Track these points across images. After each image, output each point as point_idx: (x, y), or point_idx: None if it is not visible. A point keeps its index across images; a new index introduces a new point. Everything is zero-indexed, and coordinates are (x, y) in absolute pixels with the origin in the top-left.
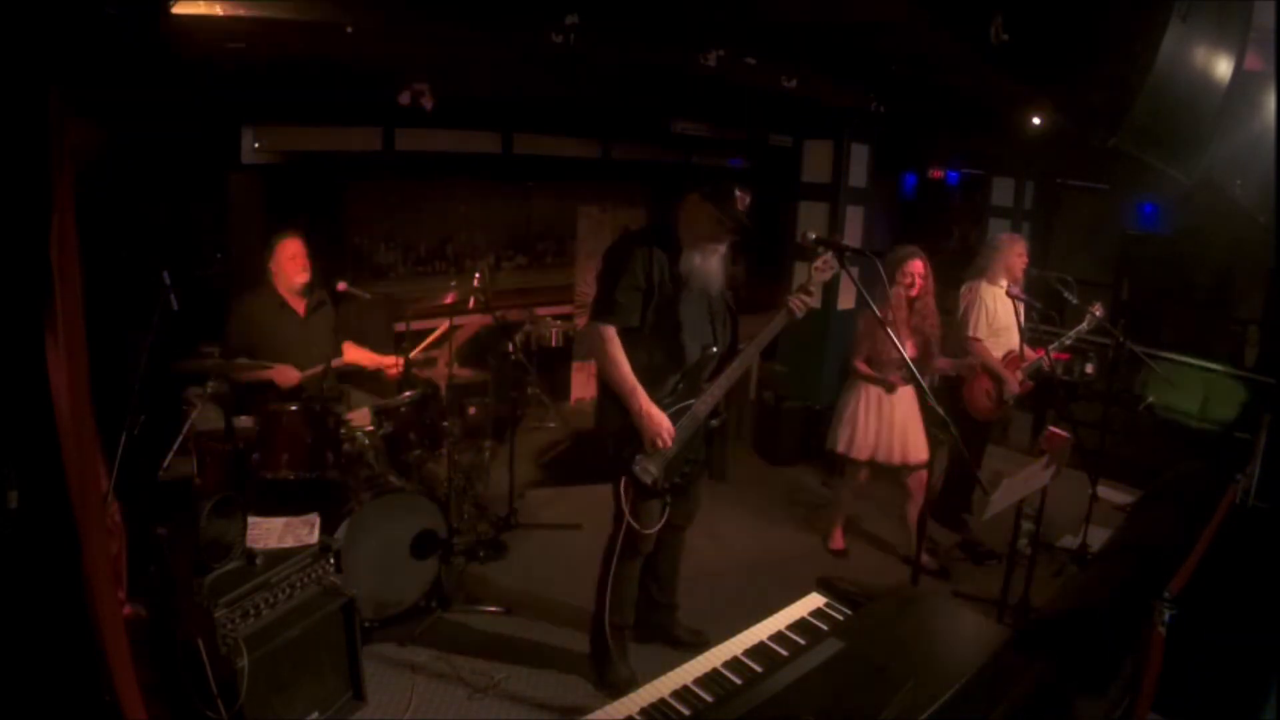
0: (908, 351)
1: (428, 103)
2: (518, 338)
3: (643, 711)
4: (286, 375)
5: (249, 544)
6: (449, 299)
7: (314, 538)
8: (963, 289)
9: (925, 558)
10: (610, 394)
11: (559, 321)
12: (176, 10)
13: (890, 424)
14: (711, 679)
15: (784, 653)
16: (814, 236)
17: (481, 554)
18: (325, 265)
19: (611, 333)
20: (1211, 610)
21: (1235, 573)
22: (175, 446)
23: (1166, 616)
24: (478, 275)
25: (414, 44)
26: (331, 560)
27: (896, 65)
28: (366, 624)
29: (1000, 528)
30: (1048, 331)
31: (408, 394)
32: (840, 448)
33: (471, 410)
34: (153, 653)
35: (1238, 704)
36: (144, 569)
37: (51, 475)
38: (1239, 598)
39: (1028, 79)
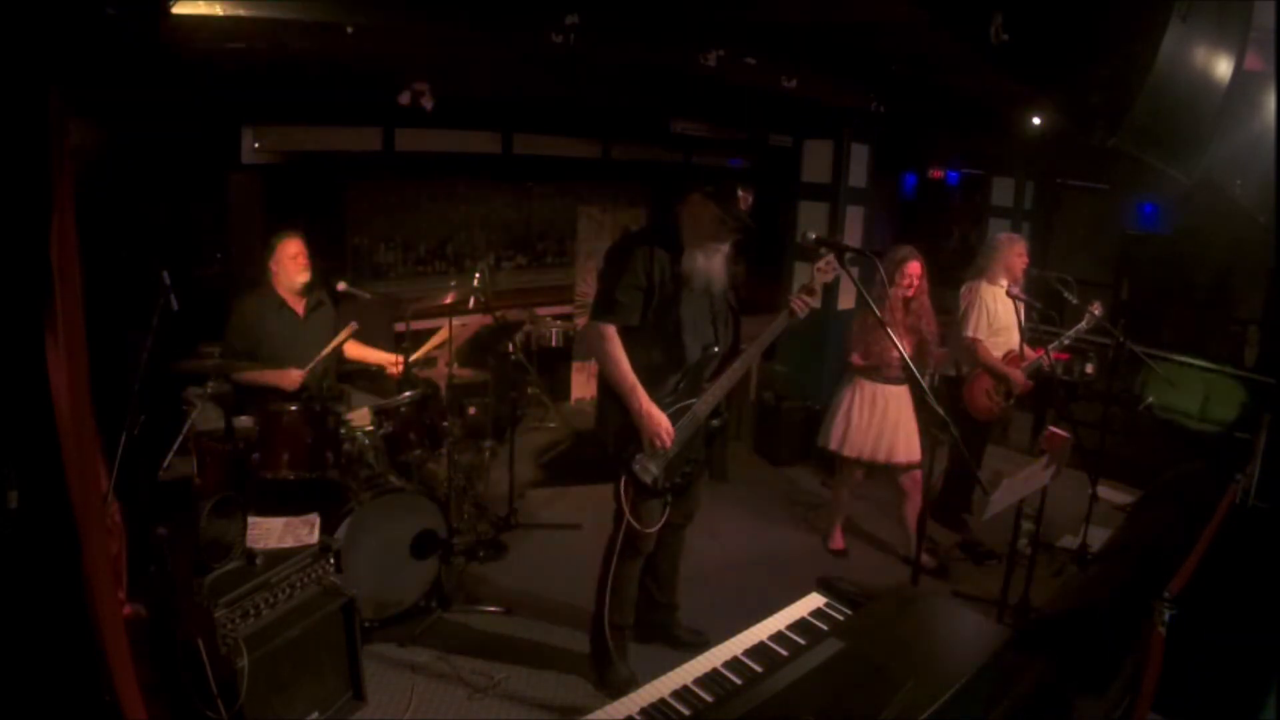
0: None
1: (428, 103)
2: (518, 338)
3: (643, 711)
4: (289, 379)
5: (249, 544)
6: (449, 299)
7: (314, 538)
8: (963, 289)
9: (925, 557)
10: (610, 393)
11: (559, 321)
12: (176, 10)
13: (883, 422)
14: (711, 679)
15: (784, 653)
16: (814, 237)
17: (481, 554)
18: (325, 265)
19: (612, 332)
20: (1211, 610)
21: (1235, 573)
22: (175, 446)
23: (1166, 616)
24: (478, 275)
25: (414, 44)
26: (331, 560)
27: (896, 65)
28: (366, 624)
29: (1000, 528)
30: (1047, 331)
31: (408, 394)
32: (832, 445)
33: (471, 410)
34: (153, 653)
35: (1238, 704)
36: (144, 569)
37: (51, 475)
38: (1239, 598)
39: (1028, 79)
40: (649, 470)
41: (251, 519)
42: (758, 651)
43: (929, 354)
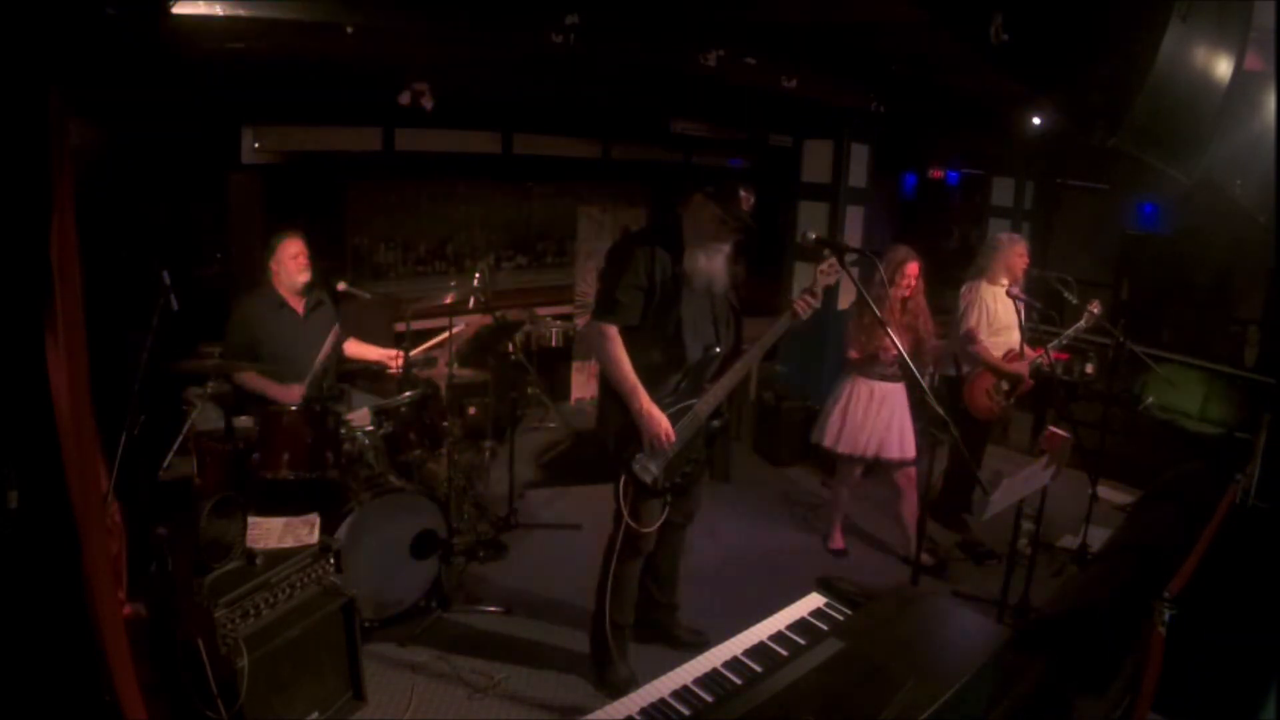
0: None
1: (428, 103)
2: (518, 338)
3: (643, 711)
4: (291, 396)
5: (249, 544)
6: (449, 299)
7: (314, 538)
8: (963, 289)
9: (924, 556)
10: (611, 393)
11: (559, 321)
12: (176, 10)
13: (878, 420)
14: (711, 679)
15: (784, 653)
16: (814, 237)
17: (481, 554)
18: (325, 265)
19: (613, 331)
20: (1211, 610)
21: (1235, 573)
22: (175, 446)
23: (1166, 616)
24: (478, 275)
25: (414, 44)
26: (331, 560)
27: (896, 65)
28: (366, 624)
29: (1000, 528)
30: (1047, 331)
31: (408, 394)
32: (827, 442)
33: (471, 410)
34: (153, 653)
35: (1238, 704)
36: (144, 569)
37: (51, 475)
38: (1239, 598)
39: (1028, 79)
40: (649, 470)
41: (251, 519)
42: (758, 651)
43: (926, 352)
